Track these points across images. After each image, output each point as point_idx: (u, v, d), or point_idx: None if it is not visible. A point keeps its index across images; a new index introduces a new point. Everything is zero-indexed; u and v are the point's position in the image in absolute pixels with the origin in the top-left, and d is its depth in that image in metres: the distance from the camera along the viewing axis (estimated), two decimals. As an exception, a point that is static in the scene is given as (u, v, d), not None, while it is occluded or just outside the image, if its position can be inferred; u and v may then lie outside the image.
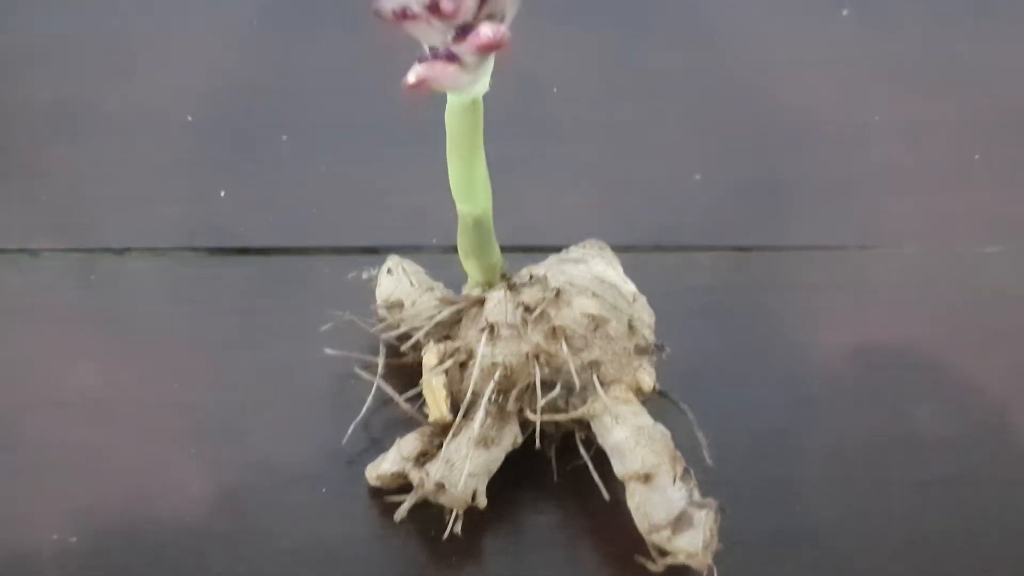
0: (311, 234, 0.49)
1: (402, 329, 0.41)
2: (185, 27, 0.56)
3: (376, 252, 0.48)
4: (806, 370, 0.45)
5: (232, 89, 0.54)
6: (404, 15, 0.30)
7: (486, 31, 0.29)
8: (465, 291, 0.42)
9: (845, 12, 0.59)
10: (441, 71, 0.31)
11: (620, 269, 0.42)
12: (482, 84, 0.34)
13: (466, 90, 0.33)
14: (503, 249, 0.40)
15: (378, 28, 0.30)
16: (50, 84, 0.53)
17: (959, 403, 0.44)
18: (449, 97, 0.34)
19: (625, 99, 0.55)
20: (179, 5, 0.57)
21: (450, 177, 0.38)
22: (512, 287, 0.39)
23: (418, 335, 0.40)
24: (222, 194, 0.50)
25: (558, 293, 0.38)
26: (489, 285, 0.41)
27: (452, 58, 0.31)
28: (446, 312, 0.39)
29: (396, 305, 0.42)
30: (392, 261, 0.44)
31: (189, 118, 0.52)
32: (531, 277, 0.39)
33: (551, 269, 0.40)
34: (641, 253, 0.49)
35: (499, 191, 0.38)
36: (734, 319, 0.47)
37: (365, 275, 0.44)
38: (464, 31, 0.30)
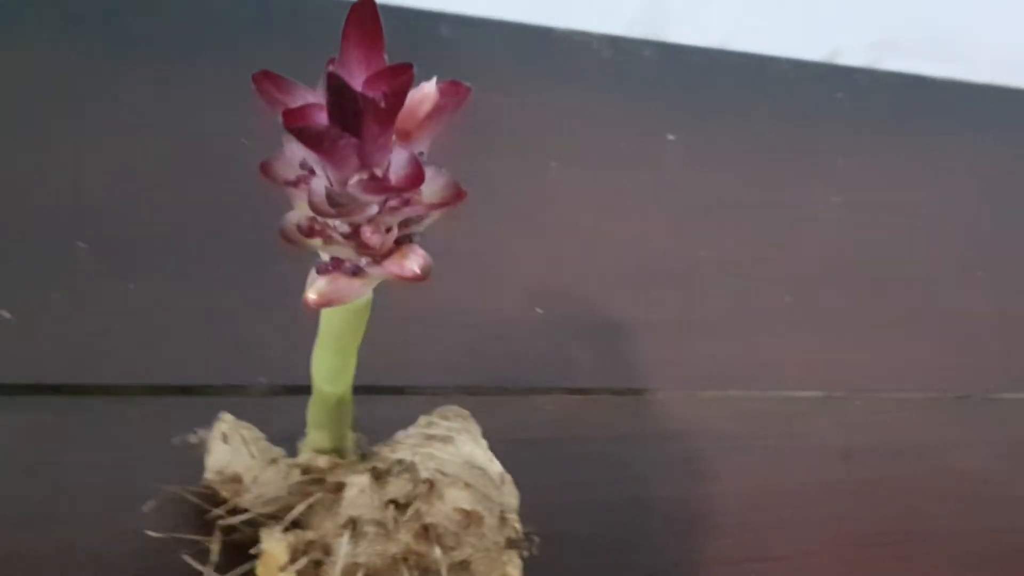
0: (117, 369, 0.43)
1: (246, 515, 0.36)
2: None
3: (193, 393, 0.43)
4: (652, 529, 0.45)
5: (14, 182, 0.46)
6: (312, 232, 0.26)
7: (412, 266, 0.26)
8: (303, 450, 0.38)
9: (671, 137, 0.60)
10: (346, 288, 0.28)
11: (485, 444, 0.39)
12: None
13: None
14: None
15: (280, 242, 0.26)
16: None
17: (793, 563, 0.46)
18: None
19: (467, 225, 0.53)
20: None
21: (317, 364, 0.34)
22: (378, 475, 0.36)
23: (274, 531, 0.35)
24: (7, 315, 0.42)
25: (431, 486, 0.35)
26: (336, 453, 0.38)
27: (358, 272, 0.28)
28: (301, 507, 0.35)
29: (233, 479, 0.37)
30: (227, 424, 0.39)
31: (-39, 215, 0.44)
32: (399, 463, 0.36)
33: (417, 451, 0.37)
34: (486, 396, 0.47)
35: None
36: (579, 471, 0.46)
37: (194, 440, 0.39)
38: (383, 254, 0.27)
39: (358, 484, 0.35)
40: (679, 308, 0.53)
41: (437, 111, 0.24)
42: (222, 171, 0.47)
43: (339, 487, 0.36)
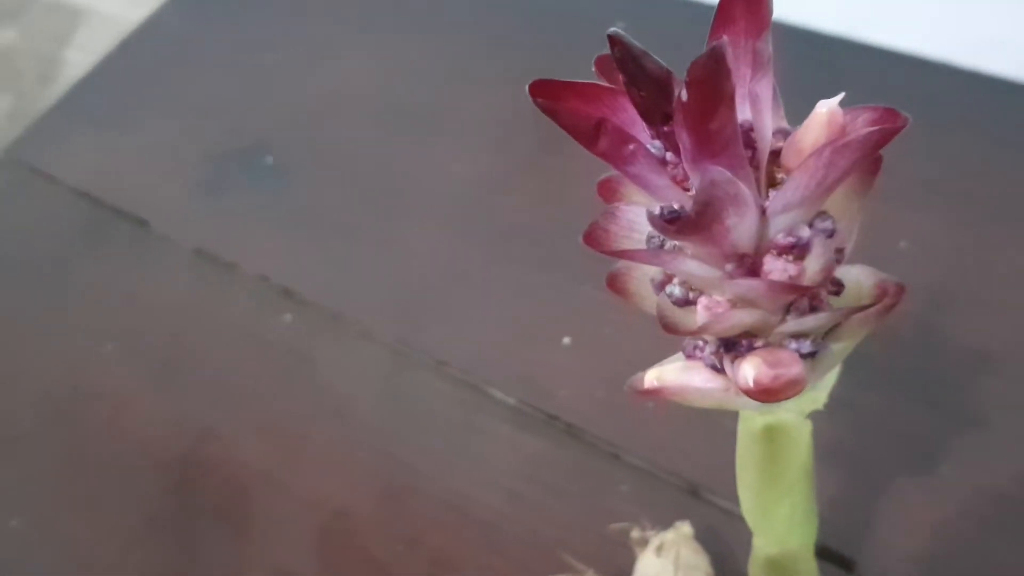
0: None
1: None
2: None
3: (697, 495, 0.36)
4: None
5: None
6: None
7: (745, 374, 0.17)
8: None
9: None
10: (701, 384, 0.19)
11: None
12: (813, 399, 0.21)
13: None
14: None
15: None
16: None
17: None
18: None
19: None
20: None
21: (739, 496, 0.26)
22: None
23: None
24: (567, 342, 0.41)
25: None
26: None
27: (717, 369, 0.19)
28: None
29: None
30: (672, 535, 0.32)
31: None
32: None
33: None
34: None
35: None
36: None
37: (635, 534, 0.33)
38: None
39: None
40: None
41: (841, 149, 0.15)
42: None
43: None
